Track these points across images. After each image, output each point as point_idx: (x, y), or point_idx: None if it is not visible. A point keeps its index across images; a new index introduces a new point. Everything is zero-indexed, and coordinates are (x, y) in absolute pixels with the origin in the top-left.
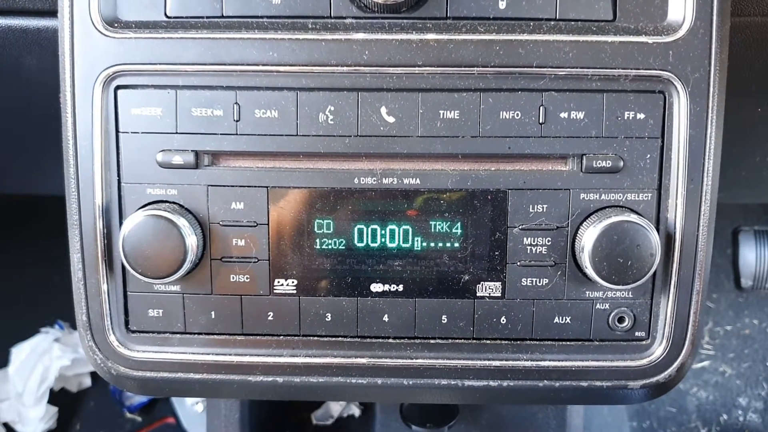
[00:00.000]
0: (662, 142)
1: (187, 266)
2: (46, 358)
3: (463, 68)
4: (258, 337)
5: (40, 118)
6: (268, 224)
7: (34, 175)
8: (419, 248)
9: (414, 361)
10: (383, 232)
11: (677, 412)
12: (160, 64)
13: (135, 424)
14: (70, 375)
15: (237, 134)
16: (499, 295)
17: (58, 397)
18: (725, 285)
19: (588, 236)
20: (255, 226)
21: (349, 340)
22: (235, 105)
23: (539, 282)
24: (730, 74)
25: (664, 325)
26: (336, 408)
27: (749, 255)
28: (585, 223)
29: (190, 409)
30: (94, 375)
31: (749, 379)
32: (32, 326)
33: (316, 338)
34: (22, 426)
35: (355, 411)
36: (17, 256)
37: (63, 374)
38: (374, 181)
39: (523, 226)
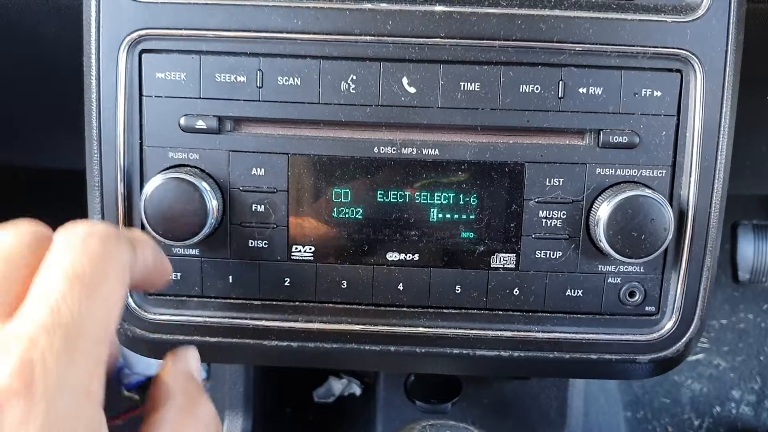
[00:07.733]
0: (678, 119)
1: (206, 230)
2: None
3: (484, 41)
4: (274, 303)
5: (55, 89)
6: (287, 191)
7: (47, 149)
8: (435, 219)
9: (427, 329)
10: (401, 201)
11: (671, 404)
12: (185, 29)
13: (133, 402)
14: None
15: (259, 101)
16: (513, 266)
17: None
18: (722, 279)
19: (603, 210)
20: (274, 193)
21: (364, 307)
22: (258, 71)
23: (553, 255)
24: None
25: (674, 300)
26: (337, 386)
27: (747, 249)
28: (600, 197)
29: None
30: None
31: (743, 373)
32: None
33: (331, 305)
34: None
35: (356, 390)
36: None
37: None
38: (394, 150)
39: (539, 199)
